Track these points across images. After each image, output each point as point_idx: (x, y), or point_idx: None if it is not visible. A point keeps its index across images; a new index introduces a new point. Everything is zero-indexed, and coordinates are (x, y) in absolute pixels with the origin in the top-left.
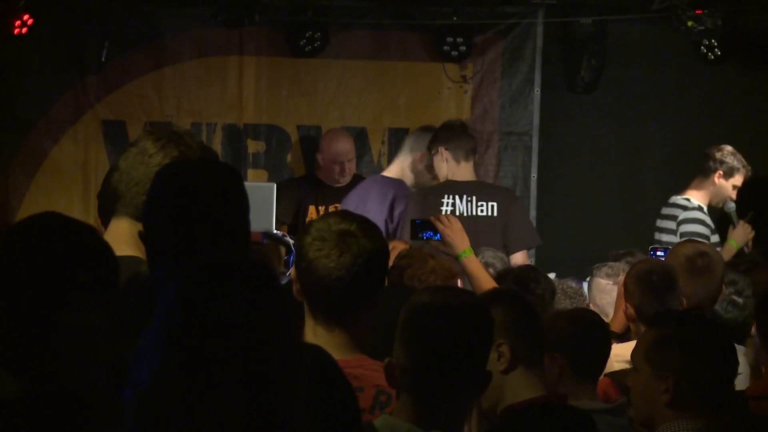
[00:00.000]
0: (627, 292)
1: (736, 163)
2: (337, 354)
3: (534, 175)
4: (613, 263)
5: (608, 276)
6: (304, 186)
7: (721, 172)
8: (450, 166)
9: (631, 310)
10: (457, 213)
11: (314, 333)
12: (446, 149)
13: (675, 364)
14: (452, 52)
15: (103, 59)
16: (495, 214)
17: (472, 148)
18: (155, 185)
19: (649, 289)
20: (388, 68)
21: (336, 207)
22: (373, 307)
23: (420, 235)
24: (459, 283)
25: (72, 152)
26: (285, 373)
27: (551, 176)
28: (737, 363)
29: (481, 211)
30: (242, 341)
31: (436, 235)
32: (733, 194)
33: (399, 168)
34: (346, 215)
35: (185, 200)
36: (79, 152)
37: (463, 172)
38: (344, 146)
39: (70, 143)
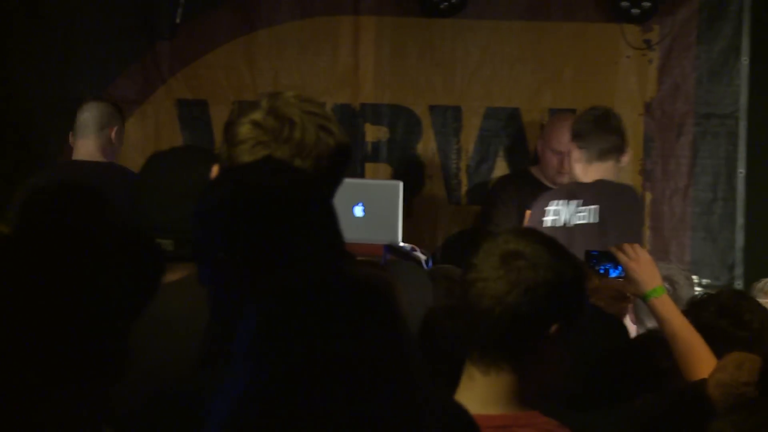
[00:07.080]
0: None
1: None
2: (492, 407)
3: (742, 170)
4: None
5: None
6: (524, 186)
7: None
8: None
9: None
10: (561, 222)
11: (469, 377)
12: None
13: None
14: (632, 10)
15: (177, 21)
16: (595, 219)
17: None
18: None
19: None
20: (549, 31)
21: None
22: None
23: (596, 269)
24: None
25: (139, 140)
26: (399, 423)
27: (765, 171)
28: None
29: (581, 217)
30: (344, 377)
31: (617, 269)
32: None
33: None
34: (523, 234)
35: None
36: (148, 140)
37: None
38: None
39: (136, 129)
